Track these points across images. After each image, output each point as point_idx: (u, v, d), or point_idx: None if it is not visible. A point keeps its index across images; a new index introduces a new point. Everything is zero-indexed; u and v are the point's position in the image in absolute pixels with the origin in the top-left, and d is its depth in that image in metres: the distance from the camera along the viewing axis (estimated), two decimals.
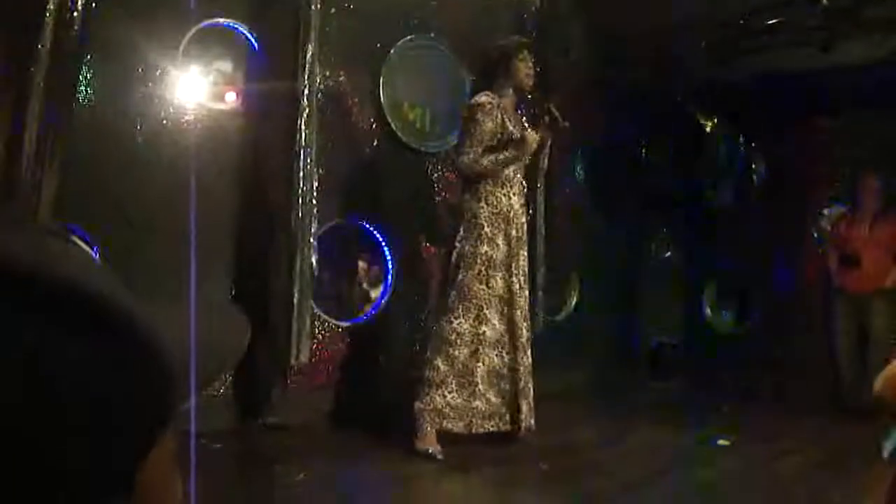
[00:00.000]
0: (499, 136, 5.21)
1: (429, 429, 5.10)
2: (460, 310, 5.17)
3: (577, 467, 5.06)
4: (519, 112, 5.63)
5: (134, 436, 0.55)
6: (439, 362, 5.14)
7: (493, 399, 5.23)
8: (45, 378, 0.49)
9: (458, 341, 5.15)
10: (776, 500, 4.48)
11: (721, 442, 5.69)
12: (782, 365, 8.11)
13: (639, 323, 9.02)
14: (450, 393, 5.13)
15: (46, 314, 0.51)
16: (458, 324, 5.16)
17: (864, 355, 7.15)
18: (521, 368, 5.28)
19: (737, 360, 8.42)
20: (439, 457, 5.02)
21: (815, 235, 8.60)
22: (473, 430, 5.17)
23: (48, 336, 0.50)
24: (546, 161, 5.67)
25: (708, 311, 9.33)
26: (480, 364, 5.17)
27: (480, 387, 5.16)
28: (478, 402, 5.15)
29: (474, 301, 5.17)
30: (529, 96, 5.72)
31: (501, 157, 5.16)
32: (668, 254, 9.38)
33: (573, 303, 8.06)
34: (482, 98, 5.27)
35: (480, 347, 5.17)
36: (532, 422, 5.36)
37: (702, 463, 5.27)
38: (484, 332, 5.18)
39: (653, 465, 5.12)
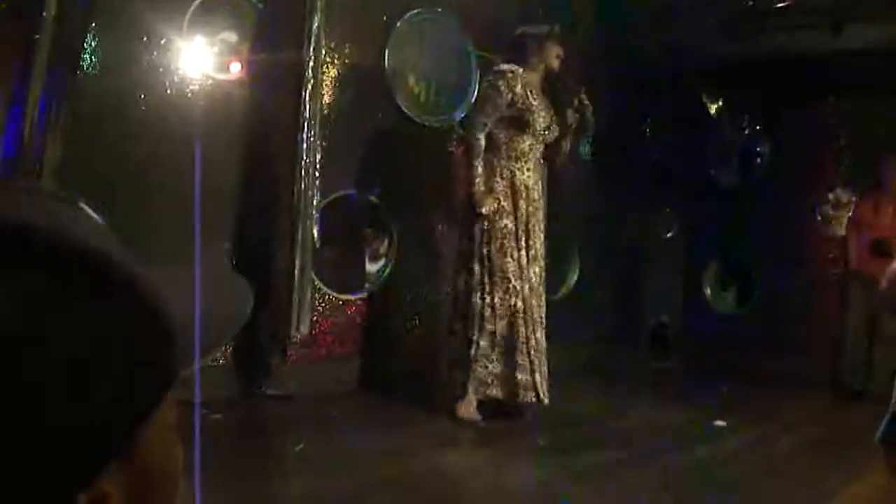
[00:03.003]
0: (519, 106, 5.26)
1: (472, 398, 5.24)
2: (489, 284, 5.24)
3: (575, 442, 5.08)
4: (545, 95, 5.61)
5: (136, 396, 0.56)
6: (478, 338, 5.24)
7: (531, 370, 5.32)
8: (50, 336, 0.50)
9: (492, 315, 5.21)
10: (771, 481, 4.50)
11: (718, 423, 5.70)
12: (781, 346, 8.13)
13: (640, 302, 9.03)
14: (491, 363, 5.26)
15: (56, 276, 0.52)
16: (489, 298, 5.24)
17: (870, 344, 7.12)
18: (532, 342, 5.32)
19: (737, 341, 8.44)
20: (482, 424, 5.18)
21: (819, 218, 8.59)
22: (520, 399, 5.29)
23: (57, 296, 0.51)
24: (568, 145, 5.71)
25: (708, 291, 9.34)
26: (516, 335, 5.23)
27: (519, 358, 5.22)
28: (519, 375, 5.23)
29: (500, 274, 5.24)
30: (559, 85, 5.70)
31: (478, 164, 5.24)
32: (671, 234, 9.37)
33: (573, 280, 8.06)
34: (506, 67, 5.37)
35: (514, 319, 5.24)
36: (544, 394, 5.41)
37: (699, 442, 5.29)
38: (515, 303, 5.24)
39: (650, 443, 5.13)
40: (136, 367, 0.55)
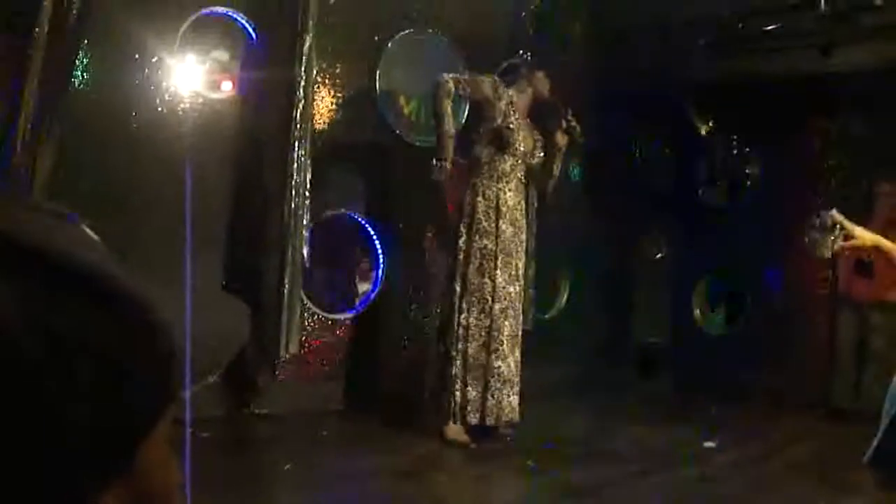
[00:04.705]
0: (500, 121, 5.34)
1: (454, 420, 5.24)
2: (464, 304, 5.24)
3: (563, 462, 5.07)
4: (531, 120, 5.67)
5: (137, 413, 0.56)
6: (454, 356, 5.25)
7: (504, 392, 5.31)
8: (51, 353, 0.51)
9: (466, 335, 5.22)
10: (761, 501, 4.50)
11: (707, 444, 5.70)
12: (770, 366, 8.14)
13: (628, 321, 9.04)
14: (466, 387, 5.25)
15: (58, 293, 0.52)
16: (463, 318, 5.25)
17: (859, 365, 7.15)
18: (499, 363, 5.30)
19: (725, 361, 8.45)
20: (471, 445, 5.18)
21: (806, 240, 8.60)
22: (488, 423, 5.27)
23: (57, 313, 0.52)
24: (559, 168, 5.76)
25: (697, 311, 9.34)
26: (489, 356, 5.23)
27: (491, 381, 5.22)
28: (491, 398, 5.22)
29: (477, 295, 5.24)
30: (547, 108, 5.76)
31: (444, 130, 5.31)
32: (660, 254, 9.38)
33: (563, 300, 8.07)
34: (496, 78, 5.57)
35: (488, 340, 5.23)
36: (514, 417, 5.39)
37: (688, 462, 5.29)
38: (489, 324, 5.24)
39: (639, 463, 5.13)
40: (138, 384, 0.56)
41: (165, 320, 0.59)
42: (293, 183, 5.40)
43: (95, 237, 0.62)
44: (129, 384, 0.55)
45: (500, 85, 5.41)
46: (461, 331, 5.24)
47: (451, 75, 5.40)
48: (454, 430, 5.23)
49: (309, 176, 5.48)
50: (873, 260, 7.17)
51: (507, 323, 5.30)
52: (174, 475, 0.63)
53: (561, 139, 5.56)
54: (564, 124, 5.54)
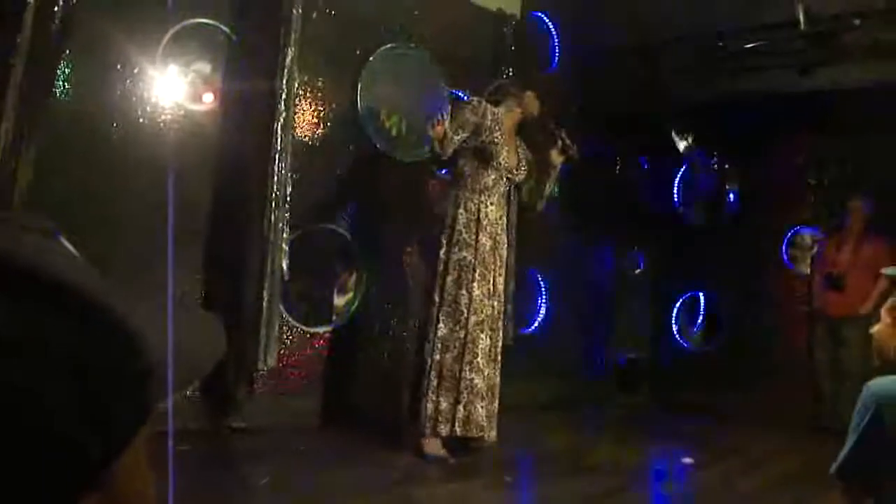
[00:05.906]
0: (483, 137, 5.34)
1: (430, 433, 5.21)
2: (441, 315, 5.23)
3: (542, 478, 5.07)
4: (519, 138, 5.69)
5: (113, 427, 0.56)
6: (428, 368, 5.23)
7: (476, 405, 5.28)
8: (40, 369, 0.51)
9: (442, 347, 5.21)
10: None
11: (686, 460, 5.71)
12: (749, 382, 8.17)
13: (608, 337, 9.06)
14: (439, 398, 5.22)
15: (34, 308, 0.52)
16: (439, 329, 5.23)
17: (836, 380, 7.19)
18: (473, 376, 5.28)
19: (704, 377, 8.48)
20: (451, 460, 5.15)
21: (786, 257, 8.67)
22: (458, 434, 5.23)
23: (34, 328, 0.52)
24: (552, 187, 5.79)
25: (676, 328, 9.38)
26: (463, 369, 5.21)
27: (465, 392, 5.20)
28: (463, 410, 5.20)
29: (453, 306, 5.23)
30: (537, 125, 5.78)
31: (454, 134, 5.26)
32: (640, 270, 9.42)
33: (542, 316, 8.07)
34: (473, 99, 5.58)
35: (463, 352, 5.22)
36: (488, 431, 5.38)
37: (666, 478, 5.30)
38: (465, 336, 5.23)
39: (618, 479, 5.13)
40: (113, 399, 0.56)
41: (142, 334, 0.58)
42: (273, 196, 5.39)
43: (76, 253, 0.62)
44: (107, 398, 0.55)
45: (480, 103, 5.42)
46: (437, 342, 5.23)
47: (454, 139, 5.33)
48: (432, 445, 5.21)
49: (289, 189, 5.47)
50: (843, 273, 7.27)
51: (482, 336, 5.29)
52: (150, 488, 0.63)
53: (556, 157, 5.59)
54: (560, 143, 5.56)
